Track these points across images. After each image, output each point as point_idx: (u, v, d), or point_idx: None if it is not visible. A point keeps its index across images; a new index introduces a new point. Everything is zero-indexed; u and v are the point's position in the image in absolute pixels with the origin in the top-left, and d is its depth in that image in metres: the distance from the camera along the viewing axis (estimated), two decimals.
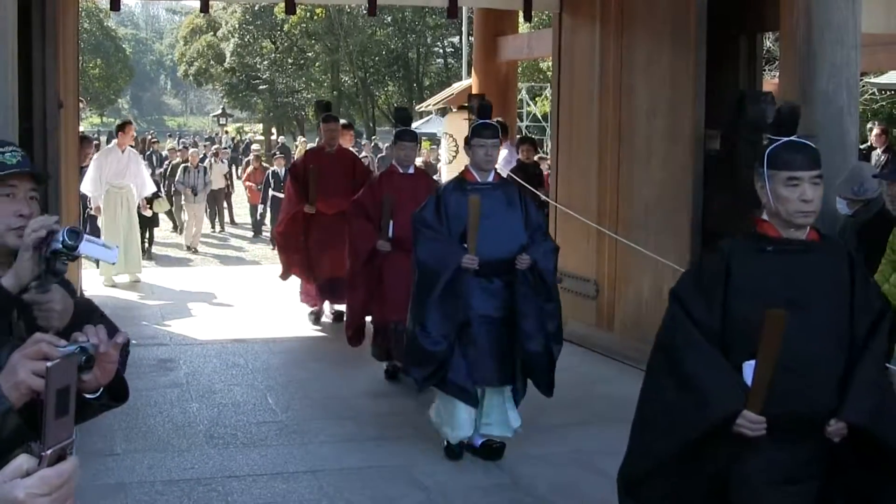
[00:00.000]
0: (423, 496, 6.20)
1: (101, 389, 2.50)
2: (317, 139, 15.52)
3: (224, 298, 12.57)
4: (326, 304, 11.21)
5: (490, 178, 6.78)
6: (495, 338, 6.59)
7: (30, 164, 3.02)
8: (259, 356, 9.58)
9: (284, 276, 11.24)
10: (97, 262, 11.81)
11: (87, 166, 13.26)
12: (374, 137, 40.17)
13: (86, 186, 13.34)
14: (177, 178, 20.16)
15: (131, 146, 14.18)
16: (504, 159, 13.31)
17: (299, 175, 10.62)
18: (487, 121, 6.87)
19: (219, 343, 10.11)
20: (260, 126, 58.76)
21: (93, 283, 12.86)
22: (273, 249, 15.53)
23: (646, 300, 8.99)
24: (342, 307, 10.32)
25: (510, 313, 6.57)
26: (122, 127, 14.02)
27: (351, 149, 12.79)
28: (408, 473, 6.51)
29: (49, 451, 1.68)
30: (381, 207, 8.27)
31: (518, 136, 15.23)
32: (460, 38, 39.66)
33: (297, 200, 10.54)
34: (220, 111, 47.84)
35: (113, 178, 13.38)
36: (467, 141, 6.91)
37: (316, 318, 11.14)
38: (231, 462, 6.72)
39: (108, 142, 17.61)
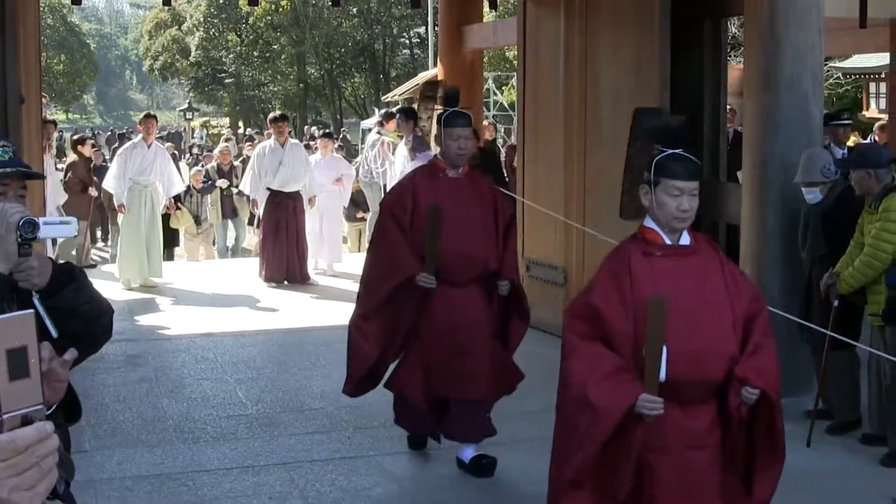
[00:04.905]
0: (395, 486, 6.21)
1: (54, 408, 2.45)
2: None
3: (192, 293, 12.48)
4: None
5: None
6: None
7: (20, 162, 3.09)
8: (228, 350, 9.53)
9: (356, 388, 6.64)
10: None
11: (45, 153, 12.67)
12: (343, 130, 40.02)
13: (108, 182, 12.82)
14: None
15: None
16: (412, 157, 12.25)
17: (402, 216, 6.25)
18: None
19: (188, 338, 10.05)
20: (226, 120, 58.52)
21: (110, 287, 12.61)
22: (272, 286, 12.77)
23: None
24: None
25: None
26: (146, 120, 13.01)
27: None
28: (378, 464, 6.51)
29: (6, 417, 1.56)
30: (648, 318, 3.92)
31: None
32: (426, 29, 39.64)
33: (404, 263, 6.16)
34: (186, 105, 47.63)
35: (137, 175, 12.48)
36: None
37: (419, 442, 6.81)
38: (201, 456, 6.70)
39: (74, 141, 16.90)
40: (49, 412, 2.41)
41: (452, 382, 6.20)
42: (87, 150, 15.47)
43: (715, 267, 4.19)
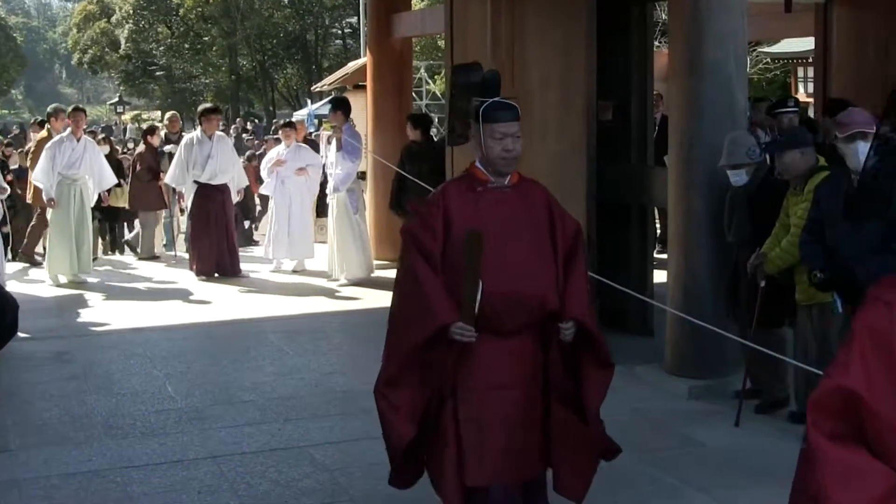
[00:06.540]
0: (326, 476, 6.15)
1: None
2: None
3: (123, 288, 12.32)
4: None
5: None
6: None
7: None
8: (158, 344, 9.42)
9: (402, 479, 4.94)
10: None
11: None
12: (275, 121, 39.76)
13: (36, 176, 12.53)
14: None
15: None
16: (343, 155, 11.83)
17: (430, 245, 4.64)
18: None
19: (117, 333, 9.91)
20: (158, 113, 58.04)
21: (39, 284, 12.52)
22: (202, 279, 12.60)
23: None
24: None
25: None
26: (74, 113, 12.77)
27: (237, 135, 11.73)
28: (309, 455, 6.45)
29: None
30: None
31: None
32: (358, 19, 39.53)
33: (435, 309, 4.51)
34: (116, 99, 47.15)
35: (66, 169, 12.25)
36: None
37: None
38: (130, 452, 6.60)
39: (144, 131, 16.35)
40: None
41: (503, 463, 4.63)
42: (156, 140, 15.16)
43: None
